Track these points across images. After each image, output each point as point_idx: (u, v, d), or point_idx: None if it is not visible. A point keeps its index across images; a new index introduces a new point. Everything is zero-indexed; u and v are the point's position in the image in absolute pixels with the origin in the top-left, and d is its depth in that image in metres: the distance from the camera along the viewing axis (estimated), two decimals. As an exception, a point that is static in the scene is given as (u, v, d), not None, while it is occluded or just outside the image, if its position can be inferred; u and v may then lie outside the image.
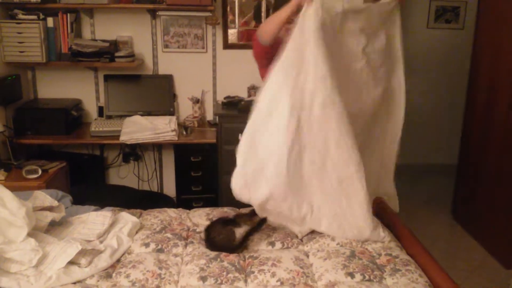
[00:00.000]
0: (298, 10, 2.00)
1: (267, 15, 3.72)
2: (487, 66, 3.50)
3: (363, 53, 2.14)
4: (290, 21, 2.09)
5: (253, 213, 2.18)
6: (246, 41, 3.77)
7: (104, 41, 3.55)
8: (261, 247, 2.11)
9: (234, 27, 3.76)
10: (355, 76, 2.16)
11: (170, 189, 3.93)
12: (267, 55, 2.28)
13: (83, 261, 1.84)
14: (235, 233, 2.07)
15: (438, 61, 5.01)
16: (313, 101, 1.98)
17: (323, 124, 2.01)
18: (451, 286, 1.78)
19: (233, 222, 2.14)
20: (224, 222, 2.14)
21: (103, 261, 1.90)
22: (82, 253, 1.84)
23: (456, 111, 4.60)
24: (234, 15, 3.73)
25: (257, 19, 3.76)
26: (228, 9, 3.71)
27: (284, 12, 2.09)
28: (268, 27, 2.20)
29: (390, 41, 2.23)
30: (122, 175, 3.93)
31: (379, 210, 2.45)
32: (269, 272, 1.87)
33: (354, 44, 2.12)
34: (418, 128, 4.95)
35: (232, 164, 3.37)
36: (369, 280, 1.84)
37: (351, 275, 1.85)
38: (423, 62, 4.97)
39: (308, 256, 2.04)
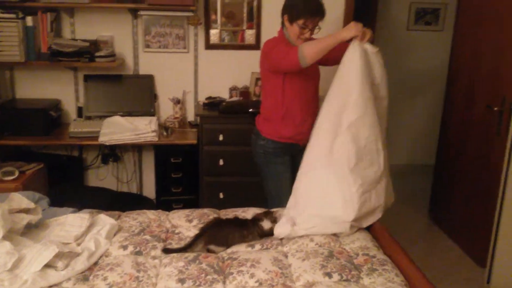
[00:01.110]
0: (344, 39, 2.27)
1: (258, 17, 3.74)
2: (466, 68, 3.56)
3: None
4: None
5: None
6: (241, 41, 3.80)
7: (84, 40, 3.52)
8: (241, 249, 2.11)
9: (216, 28, 3.76)
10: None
11: (150, 190, 3.91)
12: (292, 72, 2.50)
13: (59, 264, 1.82)
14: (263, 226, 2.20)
15: (418, 63, 5.08)
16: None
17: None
18: (427, 285, 1.81)
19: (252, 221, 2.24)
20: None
21: (80, 263, 1.88)
22: (59, 255, 1.82)
23: (434, 112, 4.67)
24: (216, 15, 3.73)
25: (250, 20, 3.77)
26: (219, 9, 3.71)
27: (332, 41, 2.29)
28: (315, 52, 2.33)
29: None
30: (101, 177, 3.90)
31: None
32: (247, 273, 1.88)
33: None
34: (396, 129, 5.01)
35: (212, 164, 3.39)
36: (347, 280, 1.86)
37: (329, 275, 1.87)
38: (403, 63, 5.04)
39: (287, 257, 2.05)
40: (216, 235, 2.13)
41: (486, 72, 3.25)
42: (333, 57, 2.50)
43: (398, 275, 1.90)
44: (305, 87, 2.65)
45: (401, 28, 5.02)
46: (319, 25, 2.54)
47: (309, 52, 2.33)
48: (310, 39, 2.54)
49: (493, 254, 2.92)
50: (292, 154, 2.72)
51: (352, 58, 2.24)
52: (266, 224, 2.18)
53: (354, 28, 2.25)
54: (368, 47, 2.29)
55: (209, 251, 2.08)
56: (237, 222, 2.23)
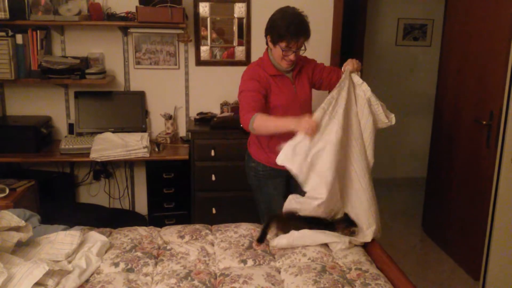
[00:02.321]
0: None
1: (248, 33, 3.78)
2: (453, 82, 3.61)
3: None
4: None
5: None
6: (231, 58, 3.84)
7: (75, 58, 3.52)
8: (233, 265, 2.10)
9: (207, 44, 3.79)
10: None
11: (142, 206, 3.89)
12: None
13: (50, 282, 1.80)
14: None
15: (406, 78, 5.14)
16: None
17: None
18: (419, 299, 1.82)
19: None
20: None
21: (71, 281, 1.86)
22: (49, 274, 1.80)
23: (424, 126, 4.72)
24: (206, 32, 3.76)
25: (241, 37, 3.80)
26: (209, 27, 3.74)
27: (281, 128, 2.24)
28: (265, 130, 2.33)
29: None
30: (93, 193, 3.88)
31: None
32: (240, 289, 1.87)
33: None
34: (388, 143, 5.04)
35: (204, 180, 3.39)
36: (340, 295, 1.85)
37: (322, 290, 1.87)
38: (392, 78, 5.10)
39: (279, 272, 2.05)
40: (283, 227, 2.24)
41: (473, 86, 3.30)
42: (326, 85, 2.65)
43: (391, 289, 1.90)
44: (289, 114, 2.43)
45: (390, 43, 5.09)
46: (304, 46, 2.43)
47: (258, 127, 2.29)
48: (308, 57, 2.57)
49: (486, 266, 2.93)
50: (286, 176, 2.56)
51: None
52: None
53: (304, 125, 2.15)
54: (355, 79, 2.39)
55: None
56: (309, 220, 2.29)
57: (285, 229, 2.27)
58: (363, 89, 2.40)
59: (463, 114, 3.42)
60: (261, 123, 2.27)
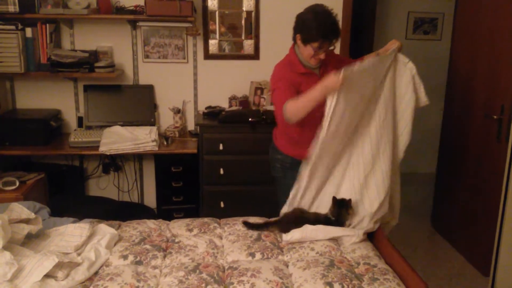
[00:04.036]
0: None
1: (256, 27, 3.76)
2: (464, 76, 3.57)
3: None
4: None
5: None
6: (240, 51, 3.83)
7: (84, 51, 3.53)
8: (241, 258, 2.11)
9: (215, 38, 3.78)
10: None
11: (150, 199, 3.91)
12: None
13: (60, 274, 1.81)
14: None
15: (418, 71, 5.08)
16: None
17: None
18: (428, 294, 1.81)
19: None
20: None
21: (80, 273, 1.88)
22: (59, 266, 1.82)
23: (434, 120, 4.68)
24: (215, 25, 3.75)
25: (249, 30, 3.79)
26: (217, 20, 3.73)
27: (317, 97, 2.18)
28: (301, 112, 2.25)
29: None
30: (102, 186, 3.90)
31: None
32: (248, 283, 1.87)
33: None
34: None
35: (213, 174, 3.39)
36: (348, 289, 1.85)
37: (330, 284, 1.86)
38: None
39: (287, 266, 2.04)
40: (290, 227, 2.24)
41: (484, 80, 3.26)
42: None
43: (400, 284, 1.90)
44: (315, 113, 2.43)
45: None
46: (334, 45, 2.41)
47: (291, 114, 2.28)
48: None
49: (496, 263, 2.91)
50: None
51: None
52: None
53: (332, 83, 2.11)
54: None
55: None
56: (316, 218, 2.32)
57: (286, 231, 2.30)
58: (409, 68, 2.43)
59: (474, 109, 3.39)
60: (293, 108, 2.27)
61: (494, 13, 3.15)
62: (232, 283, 1.87)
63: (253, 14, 3.75)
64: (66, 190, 3.65)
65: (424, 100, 2.50)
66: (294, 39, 2.50)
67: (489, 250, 3.00)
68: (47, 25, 3.42)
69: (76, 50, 3.56)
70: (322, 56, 2.41)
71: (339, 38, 2.41)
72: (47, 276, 1.78)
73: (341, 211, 2.30)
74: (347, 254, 2.14)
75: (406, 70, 2.44)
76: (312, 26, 2.35)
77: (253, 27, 3.78)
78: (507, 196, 2.81)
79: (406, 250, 3.41)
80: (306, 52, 2.43)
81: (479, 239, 3.28)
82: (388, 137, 2.42)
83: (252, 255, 2.12)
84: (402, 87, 2.46)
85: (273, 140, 2.77)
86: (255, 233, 2.31)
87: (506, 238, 2.84)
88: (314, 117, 2.29)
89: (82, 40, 3.65)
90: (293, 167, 2.60)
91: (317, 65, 2.51)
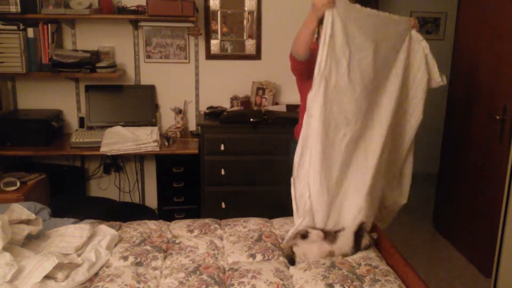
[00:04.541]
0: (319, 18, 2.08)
1: (258, 27, 3.76)
2: (466, 76, 3.56)
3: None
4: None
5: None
6: (241, 51, 3.83)
7: (85, 51, 3.53)
8: (242, 259, 2.10)
9: (217, 38, 3.77)
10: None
11: (151, 200, 3.90)
12: (306, 69, 2.33)
13: (59, 275, 1.81)
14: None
15: (430, 50, 5.05)
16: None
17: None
18: (430, 296, 1.80)
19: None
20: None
21: (80, 274, 1.87)
22: (59, 267, 1.81)
23: (436, 120, 4.66)
24: (217, 25, 3.75)
25: (251, 30, 3.79)
26: (219, 20, 3.73)
27: (310, 23, 2.13)
28: (301, 42, 2.23)
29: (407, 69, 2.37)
30: (103, 187, 3.89)
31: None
32: (248, 284, 1.86)
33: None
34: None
35: (214, 174, 3.39)
36: (349, 291, 1.84)
37: (331, 286, 1.85)
38: (404, 72, 5.03)
39: (288, 268, 2.04)
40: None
41: (487, 80, 3.25)
42: None
43: (401, 286, 1.89)
44: None
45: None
46: None
47: (296, 45, 2.27)
48: None
49: (498, 264, 2.89)
50: None
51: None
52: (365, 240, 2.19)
53: (318, 2, 2.05)
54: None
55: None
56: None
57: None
58: (422, 46, 2.39)
59: (476, 109, 3.37)
60: (294, 41, 2.27)
61: (497, 13, 3.13)
62: (233, 285, 1.86)
63: (255, 14, 3.74)
64: (67, 190, 3.65)
65: (437, 80, 2.45)
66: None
67: (491, 251, 2.98)
68: (49, 25, 3.42)
69: (77, 50, 3.56)
70: None
71: None
72: (47, 277, 1.78)
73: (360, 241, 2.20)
74: (348, 256, 2.13)
75: (420, 48, 2.39)
76: None
77: (255, 27, 3.77)
78: (509, 197, 2.79)
79: (407, 250, 3.40)
80: None
81: (480, 240, 3.27)
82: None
83: (253, 256, 2.11)
84: (415, 65, 2.41)
85: (294, 135, 2.76)
86: (255, 234, 2.30)
87: (508, 239, 2.82)
88: None
89: (84, 40, 3.65)
90: None
91: None
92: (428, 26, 5.01)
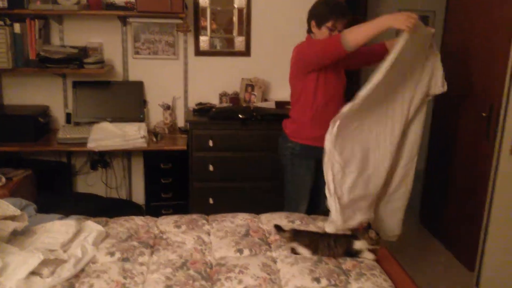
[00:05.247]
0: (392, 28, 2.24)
1: (248, 24, 3.75)
2: (454, 74, 3.57)
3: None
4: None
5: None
6: (230, 48, 3.83)
7: (73, 47, 3.51)
8: (229, 254, 2.10)
9: (206, 34, 3.76)
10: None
11: (139, 196, 3.89)
12: (332, 62, 2.49)
13: (45, 271, 1.80)
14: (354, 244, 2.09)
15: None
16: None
17: None
18: (415, 290, 1.82)
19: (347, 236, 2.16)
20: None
21: (66, 270, 1.86)
22: (44, 263, 1.80)
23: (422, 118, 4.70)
24: (206, 22, 3.74)
25: (240, 27, 3.79)
26: (208, 17, 3.72)
27: (381, 26, 2.25)
28: (360, 36, 2.30)
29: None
30: (90, 183, 3.87)
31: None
32: (236, 279, 1.86)
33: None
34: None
35: (202, 170, 3.39)
36: (335, 285, 1.85)
37: (317, 280, 1.87)
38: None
39: (276, 262, 2.04)
40: (304, 238, 2.13)
41: (474, 78, 3.28)
42: (356, 62, 2.69)
43: (387, 280, 1.90)
44: (335, 87, 2.67)
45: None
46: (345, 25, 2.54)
47: (352, 37, 2.32)
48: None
49: (481, 258, 2.93)
50: (317, 158, 2.63)
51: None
52: (358, 245, 2.08)
53: (403, 19, 2.17)
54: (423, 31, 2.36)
55: (292, 251, 2.11)
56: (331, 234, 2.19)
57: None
58: (435, 55, 2.47)
59: (464, 107, 3.41)
60: (353, 33, 2.33)
61: (486, 12, 3.16)
62: (220, 280, 1.87)
63: (244, 11, 3.74)
64: (54, 186, 3.63)
65: (439, 85, 2.53)
66: (309, 29, 2.64)
67: (476, 245, 3.02)
68: (36, 20, 3.39)
69: (65, 46, 3.54)
70: None
71: (351, 17, 2.55)
72: (32, 273, 1.76)
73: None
74: (334, 251, 2.15)
75: (433, 56, 2.47)
76: (323, 8, 2.55)
77: (244, 24, 3.77)
78: (494, 193, 2.83)
79: (393, 245, 3.42)
80: (322, 36, 2.56)
81: (466, 236, 3.31)
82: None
83: (240, 251, 2.12)
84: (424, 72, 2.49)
85: (283, 130, 2.82)
86: (243, 230, 2.30)
87: (492, 235, 2.87)
88: (337, 91, 2.64)
89: (72, 36, 3.63)
90: (301, 155, 2.72)
91: None
92: (416, 24, 5.03)
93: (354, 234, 2.14)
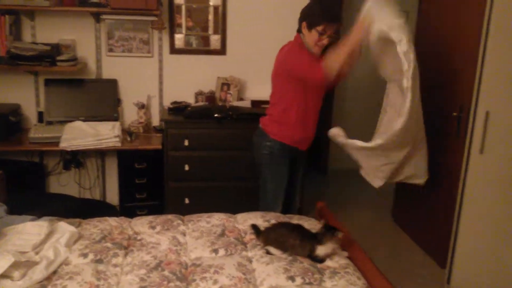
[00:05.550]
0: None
1: (223, 22, 3.74)
2: (426, 74, 3.62)
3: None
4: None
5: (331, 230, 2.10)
6: (206, 46, 3.81)
7: (45, 44, 3.44)
8: (205, 255, 2.10)
9: (181, 32, 3.74)
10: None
11: (113, 197, 3.85)
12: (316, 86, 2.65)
13: (16, 274, 1.76)
14: (316, 249, 2.05)
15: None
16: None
17: None
18: (387, 287, 1.85)
19: (314, 237, 2.09)
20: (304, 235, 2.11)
21: (38, 273, 1.83)
22: (15, 265, 1.76)
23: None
24: (181, 20, 3.72)
25: (216, 25, 3.78)
26: (183, 14, 3.69)
27: (350, 46, 2.41)
28: (341, 58, 2.43)
29: None
30: (63, 183, 3.81)
31: (321, 214, 2.51)
32: (211, 279, 1.86)
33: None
34: (358, 132, 5.07)
35: (178, 170, 3.37)
36: (309, 283, 1.87)
37: (292, 278, 1.88)
38: (368, 69, 5.12)
39: (251, 262, 2.05)
40: (274, 238, 2.12)
41: (445, 78, 3.35)
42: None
43: (360, 277, 1.93)
44: (320, 95, 2.75)
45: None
46: (336, 31, 2.61)
47: (333, 65, 2.44)
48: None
49: (452, 255, 3.00)
50: (293, 157, 2.83)
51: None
52: (322, 250, 2.05)
53: (360, 29, 2.38)
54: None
55: (267, 252, 2.10)
56: (302, 231, 2.13)
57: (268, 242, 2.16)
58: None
59: (435, 106, 3.47)
60: (333, 60, 2.44)
61: (456, 13, 3.23)
62: (195, 280, 1.87)
63: (220, 9, 3.73)
64: (26, 187, 3.55)
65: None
66: (300, 29, 2.66)
67: (448, 243, 3.09)
68: (7, 16, 3.32)
69: (37, 43, 3.47)
70: (325, 41, 2.59)
71: (341, 26, 2.62)
72: (3, 276, 1.73)
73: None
74: (309, 250, 2.17)
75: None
76: (316, 10, 2.58)
77: (220, 22, 3.76)
78: (464, 191, 2.90)
79: (367, 243, 3.46)
80: (311, 38, 2.60)
81: (437, 233, 3.38)
82: None
83: (216, 251, 2.12)
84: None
85: (261, 128, 2.84)
86: (219, 229, 2.30)
87: (463, 232, 2.93)
88: (319, 99, 2.73)
89: (44, 32, 3.56)
90: (280, 154, 2.76)
91: (320, 54, 2.65)
92: (390, 24, 5.10)
93: (320, 237, 2.07)
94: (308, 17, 2.60)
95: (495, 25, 2.66)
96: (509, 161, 2.84)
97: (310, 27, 2.58)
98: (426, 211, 3.57)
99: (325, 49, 2.64)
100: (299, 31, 2.69)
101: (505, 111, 2.77)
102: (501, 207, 2.89)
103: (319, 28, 2.54)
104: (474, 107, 2.83)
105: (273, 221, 2.39)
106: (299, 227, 2.16)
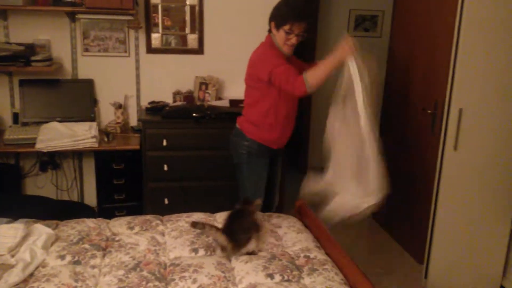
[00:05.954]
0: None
1: (200, 22, 3.74)
2: (401, 72, 3.71)
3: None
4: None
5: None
6: (183, 45, 3.79)
7: (19, 44, 3.38)
8: (184, 254, 2.10)
9: (158, 32, 3.72)
10: None
11: (91, 198, 3.80)
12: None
13: (-9, 277, 1.74)
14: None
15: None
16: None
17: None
18: (365, 282, 1.88)
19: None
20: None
21: (14, 275, 1.81)
22: (-10, 269, 1.74)
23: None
24: (158, 19, 3.69)
25: (193, 24, 3.76)
26: (160, 14, 3.67)
27: (333, 65, 2.39)
28: (321, 80, 2.42)
29: None
30: (39, 185, 3.75)
31: (301, 212, 2.54)
32: (190, 278, 1.87)
33: None
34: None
35: (157, 170, 3.35)
36: (288, 280, 1.89)
37: (271, 276, 1.90)
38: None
39: (230, 261, 2.06)
40: (229, 228, 2.12)
41: (420, 76, 3.41)
42: None
43: (338, 274, 1.96)
44: (295, 99, 2.75)
45: (342, 33, 5.15)
46: (304, 30, 2.58)
47: (314, 82, 2.42)
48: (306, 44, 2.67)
49: (429, 250, 3.06)
50: (271, 156, 2.86)
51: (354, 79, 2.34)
52: (251, 245, 2.11)
53: (348, 46, 2.34)
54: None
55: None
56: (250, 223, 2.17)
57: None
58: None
59: (411, 103, 3.53)
60: (314, 77, 2.42)
61: (430, 12, 3.28)
62: (174, 280, 1.87)
63: (196, 8, 3.72)
64: (2, 189, 3.49)
65: None
66: (270, 28, 2.67)
67: (425, 239, 3.15)
68: (-22, 16, 3.25)
69: (11, 43, 3.41)
70: (293, 40, 2.58)
71: (309, 22, 2.60)
72: (-23, 279, 1.71)
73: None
74: (287, 248, 2.19)
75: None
76: (283, 9, 2.57)
77: (197, 22, 3.75)
78: (440, 187, 2.96)
79: (346, 240, 3.50)
80: (280, 37, 2.60)
81: (415, 229, 3.44)
82: None
83: (195, 250, 2.12)
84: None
85: (238, 128, 2.83)
86: (198, 229, 2.30)
87: (439, 227, 2.99)
88: (294, 103, 2.74)
89: (18, 32, 3.49)
90: (258, 153, 2.77)
91: (290, 53, 2.66)
92: (366, 23, 5.17)
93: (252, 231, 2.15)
94: (275, 17, 2.61)
95: (467, 24, 2.71)
96: (482, 157, 2.90)
97: (277, 26, 2.58)
98: (402, 207, 3.63)
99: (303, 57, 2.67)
100: (269, 31, 2.69)
101: (477, 108, 2.83)
102: (475, 203, 2.96)
103: (286, 27, 2.54)
104: (447, 105, 2.88)
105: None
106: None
